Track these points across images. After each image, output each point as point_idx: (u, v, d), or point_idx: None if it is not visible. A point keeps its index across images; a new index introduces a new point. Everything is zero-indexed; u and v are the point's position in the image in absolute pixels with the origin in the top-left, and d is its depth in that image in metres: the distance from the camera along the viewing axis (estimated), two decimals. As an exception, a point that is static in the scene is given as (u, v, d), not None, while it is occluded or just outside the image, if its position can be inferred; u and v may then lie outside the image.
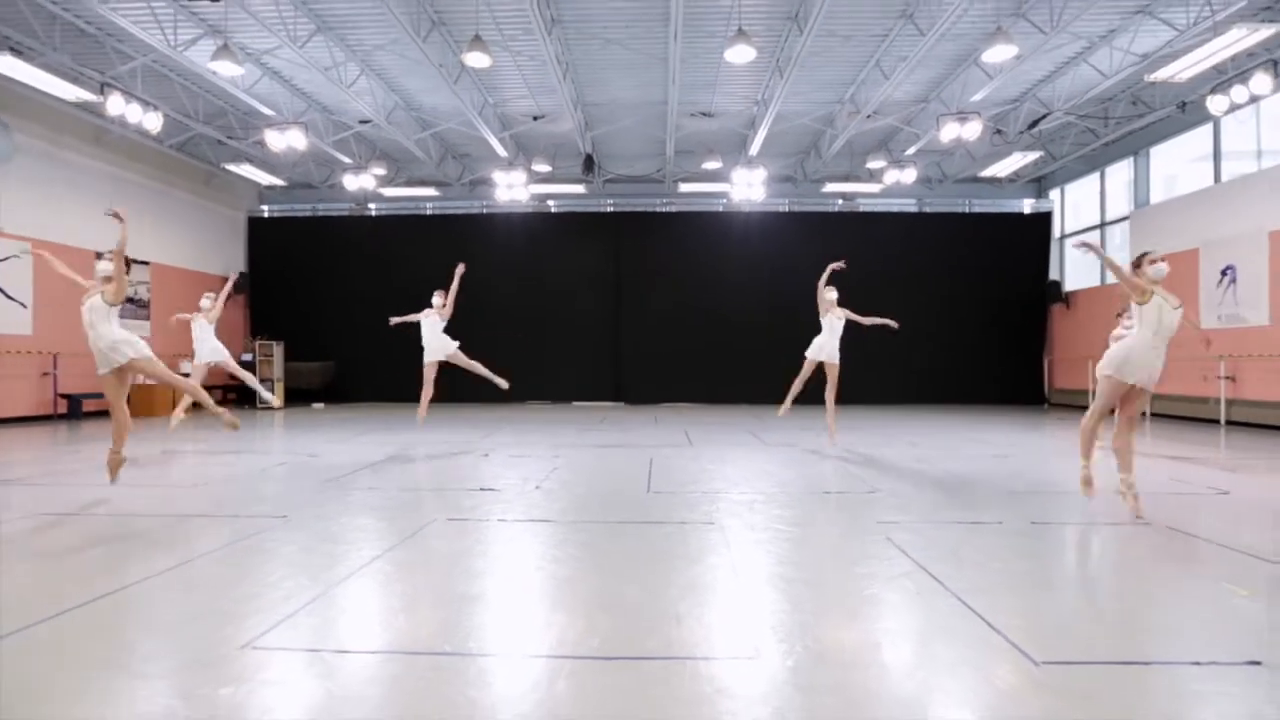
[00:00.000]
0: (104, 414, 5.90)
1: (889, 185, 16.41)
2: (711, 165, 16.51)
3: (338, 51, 11.53)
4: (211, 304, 9.77)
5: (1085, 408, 16.37)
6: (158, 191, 16.36)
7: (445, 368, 10.11)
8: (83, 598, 3.34)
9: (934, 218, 19.13)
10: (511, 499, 5.85)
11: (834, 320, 9.37)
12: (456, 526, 4.92)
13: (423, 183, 18.75)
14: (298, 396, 17.82)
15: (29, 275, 13.07)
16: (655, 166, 17.98)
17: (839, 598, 3.47)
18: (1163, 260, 5.20)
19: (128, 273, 5.94)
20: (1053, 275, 18.67)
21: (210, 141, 15.73)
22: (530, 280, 18.85)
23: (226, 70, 10.53)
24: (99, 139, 14.54)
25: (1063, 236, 18.77)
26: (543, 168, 16.69)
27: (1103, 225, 17.27)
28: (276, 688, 2.49)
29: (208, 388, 8.23)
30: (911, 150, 15.52)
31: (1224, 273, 12.93)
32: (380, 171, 16.93)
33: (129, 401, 6.09)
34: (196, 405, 7.30)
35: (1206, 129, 13.77)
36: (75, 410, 13.51)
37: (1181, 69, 10.97)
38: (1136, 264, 5.28)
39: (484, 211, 19.42)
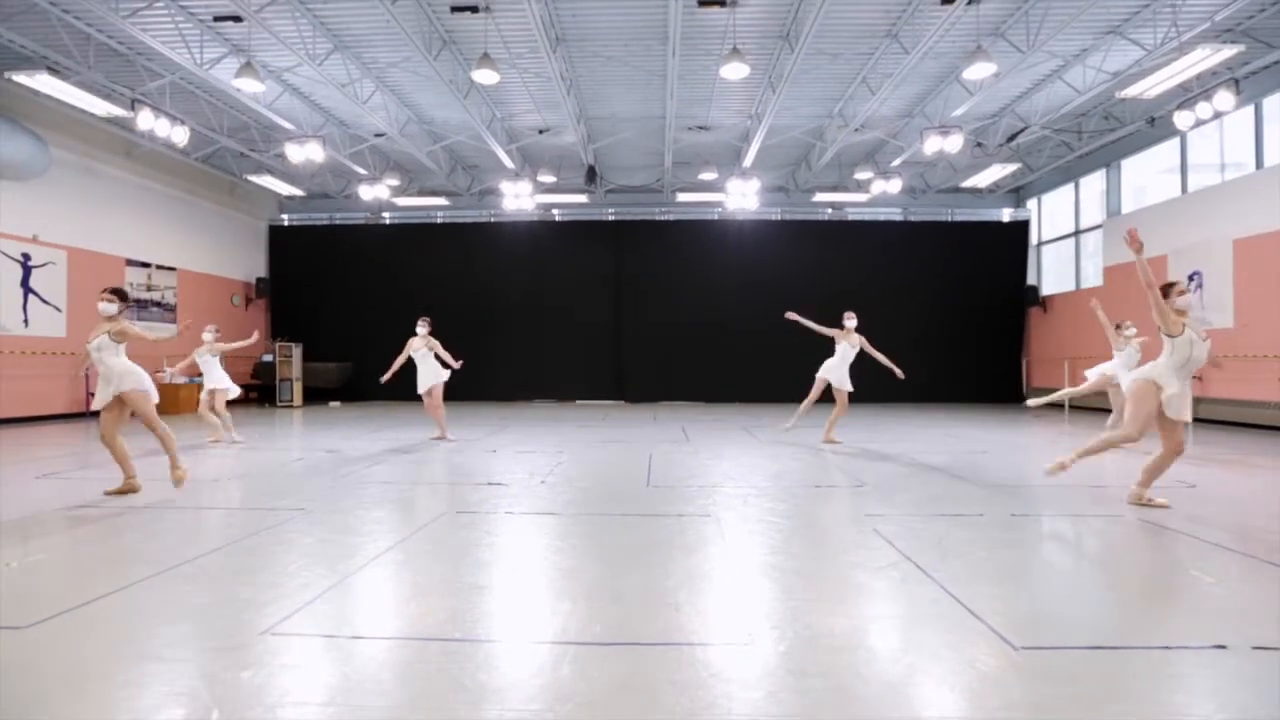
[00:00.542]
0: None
1: (876, 195, 16.41)
2: (708, 176, 16.53)
3: (354, 69, 11.52)
4: (214, 338, 9.51)
5: (1060, 405, 16.30)
6: (184, 201, 16.37)
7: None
8: (111, 586, 3.33)
9: (918, 226, 19.14)
10: (518, 493, 5.84)
11: (848, 348, 9.11)
12: (465, 519, 4.91)
13: (434, 193, 18.75)
14: (316, 395, 17.82)
15: (63, 281, 13.08)
16: (654, 177, 17.98)
17: (829, 586, 3.46)
18: (1190, 292, 4.99)
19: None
20: (1030, 280, 18.68)
21: (234, 154, 15.73)
22: (535, 285, 18.89)
23: (249, 87, 10.53)
24: (129, 152, 14.54)
25: (1040, 244, 18.79)
26: (547, 178, 16.69)
27: (1077, 233, 17.28)
28: (295, 672, 2.48)
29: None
30: (897, 162, 15.52)
31: (1191, 278, 12.93)
32: (394, 182, 16.92)
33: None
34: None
35: (1174, 143, 13.78)
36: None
37: (1150, 86, 11.00)
38: (1164, 292, 4.99)
39: (492, 220, 19.42)
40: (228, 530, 4.55)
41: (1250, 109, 12.00)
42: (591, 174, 16.55)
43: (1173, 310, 4.97)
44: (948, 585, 3.37)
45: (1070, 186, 17.38)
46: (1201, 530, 4.49)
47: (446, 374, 9.45)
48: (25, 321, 12.37)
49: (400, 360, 9.51)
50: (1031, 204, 18.96)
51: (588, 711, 2.21)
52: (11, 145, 11.46)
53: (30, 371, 12.35)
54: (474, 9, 9.75)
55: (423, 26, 10.13)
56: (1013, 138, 14.16)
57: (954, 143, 12.26)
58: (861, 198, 17.40)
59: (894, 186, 15.74)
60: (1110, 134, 14.06)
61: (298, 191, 18.29)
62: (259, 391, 17.55)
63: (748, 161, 15.41)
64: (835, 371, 9.18)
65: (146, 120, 11.31)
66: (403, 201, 18.30)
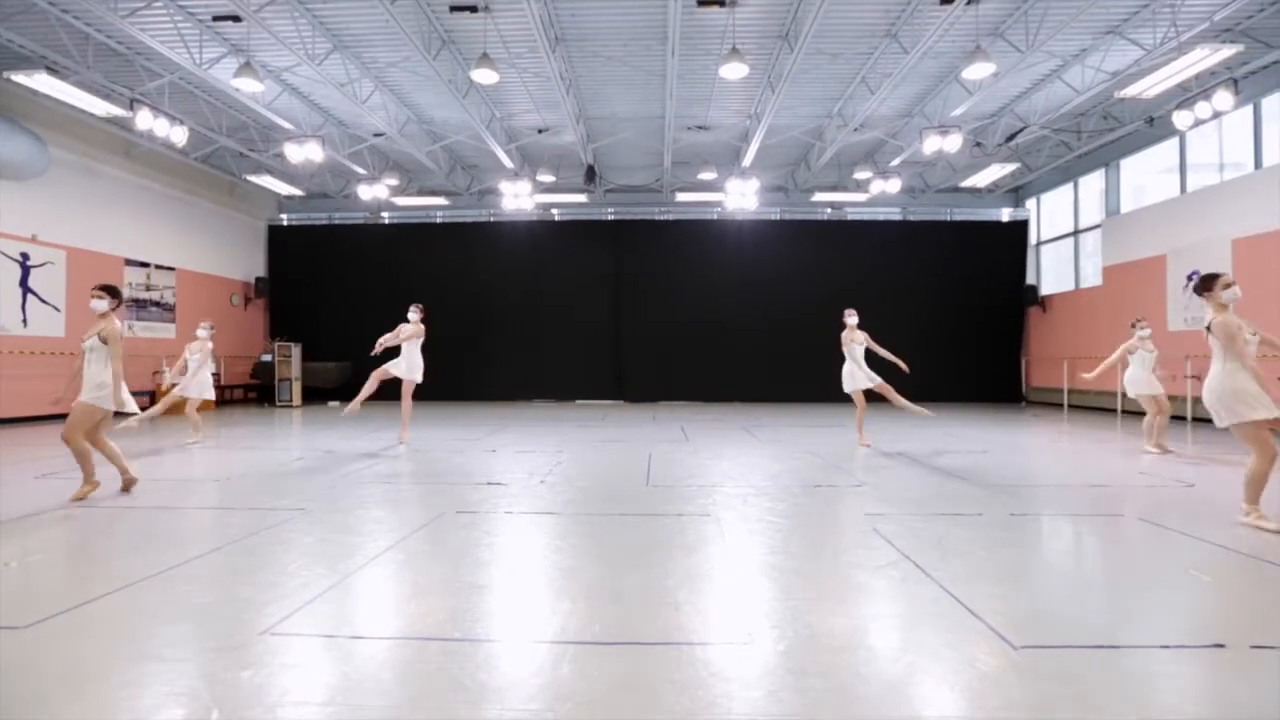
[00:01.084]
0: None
1: (875, 195, 16.40)
2: (707, 176, 16.52)
3: (353, 69, 11.51)
4: (209, 335, 9.53)
5: (1059, 405, 16.32)
6: (183, 201, 16.35)
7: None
8: (110, 586, 3.33)
9: (917, 225, 19.13)
10: (517, 492, 5.84)
11: (855, 347, 9.03)
12: (465, 518, 4.91)
13: (433, 192, 18.73)
14: (315, 395, 17.79)
15: (62, 281, 13.06)
16: (653, 177, 17.97)
17: (829, 585, 3.46)
18: (1235, 284, 4.65)
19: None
20: (1029, 280, 18.68)
21: (233, 154, 15.71)
22: (535, 284, 18.87)
23: (248, 87, 10.51)
24: (128, 152, 14.53)
25: (1039, 243, 18.79)
26: (547, 178, 16.68)
27: (1076, 233, 17.28)
28: (295, 671, 2.48)
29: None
30: (896, 161, 15.51)
31: (1190, 277, 12.93)
32: (393, 182, 16.90)
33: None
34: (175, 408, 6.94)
35: (1173, 142, 13.78)
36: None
37: (1149, 86, 10.99)
38: (1207, 287, 4.66)
39: (491, 219, 19.41)
40: (227, 530, 4.54)
41: (1249, 109, 12.00)
42: (591, 174, 16.54)
43: (1217, 304, 4.64)
44: (947, 585, 3.37)
45: (1069, 186, 17.38)
46: (1201, 530, 4.50)
47: (420, 375, 9.31)
48: (24, 321, 12.36)
49: (390, 340, 9.16)
50: (1030, 204, 18.96)
51: (587, 711, 2.21)
52: (11, 145, 11.45)
53: (29, 371, 12.33)
54: (473, 9, 9.75)
55: (422, 26, 10.12)
56: (1012, 137, 14.16)
57: (953, 142, 12.25)
58: (861, 197, 17.40)
59: (893, 186, 15.74)
60: (1109, 134, 14.05)
61: (297, 191, 18.27)
62: (258, 391, 17.53)
63: (747, 161, 15.41)
64: (853, 379, 9.03)
65: (145, 120, 11.30)
66: (402, 201, 18.28)
